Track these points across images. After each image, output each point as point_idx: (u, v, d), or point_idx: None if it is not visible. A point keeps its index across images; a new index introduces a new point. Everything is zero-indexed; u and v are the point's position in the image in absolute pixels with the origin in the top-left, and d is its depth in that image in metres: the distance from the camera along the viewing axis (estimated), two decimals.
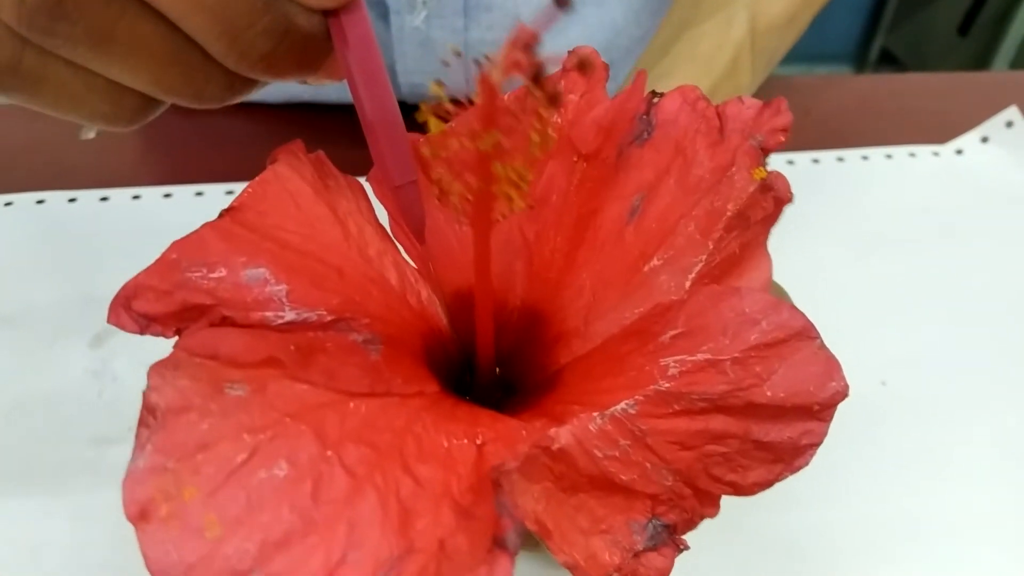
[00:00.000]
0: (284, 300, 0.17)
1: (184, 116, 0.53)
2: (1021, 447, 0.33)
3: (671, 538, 0.18)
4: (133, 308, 0.17)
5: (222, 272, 0.17)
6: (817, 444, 0.18)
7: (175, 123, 0.53)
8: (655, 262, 0.21)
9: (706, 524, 0.26)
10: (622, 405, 0.18)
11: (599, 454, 0.17)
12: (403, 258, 0.22)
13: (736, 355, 0.18)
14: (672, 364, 0.18)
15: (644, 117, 0.22)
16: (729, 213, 0.21)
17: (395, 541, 0.15)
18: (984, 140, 0.51)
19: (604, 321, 0.21)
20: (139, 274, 0.17)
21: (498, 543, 0.15)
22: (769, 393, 0.17)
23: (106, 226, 0.42)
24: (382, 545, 0.15)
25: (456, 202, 0.18)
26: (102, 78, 0.21)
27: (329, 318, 0.18)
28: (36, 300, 0.38)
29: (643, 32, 0.53)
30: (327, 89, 0.53)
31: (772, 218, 0.22)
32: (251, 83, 0.22)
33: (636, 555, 0.18)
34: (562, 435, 0.17)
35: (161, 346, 0.38)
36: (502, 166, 0.17)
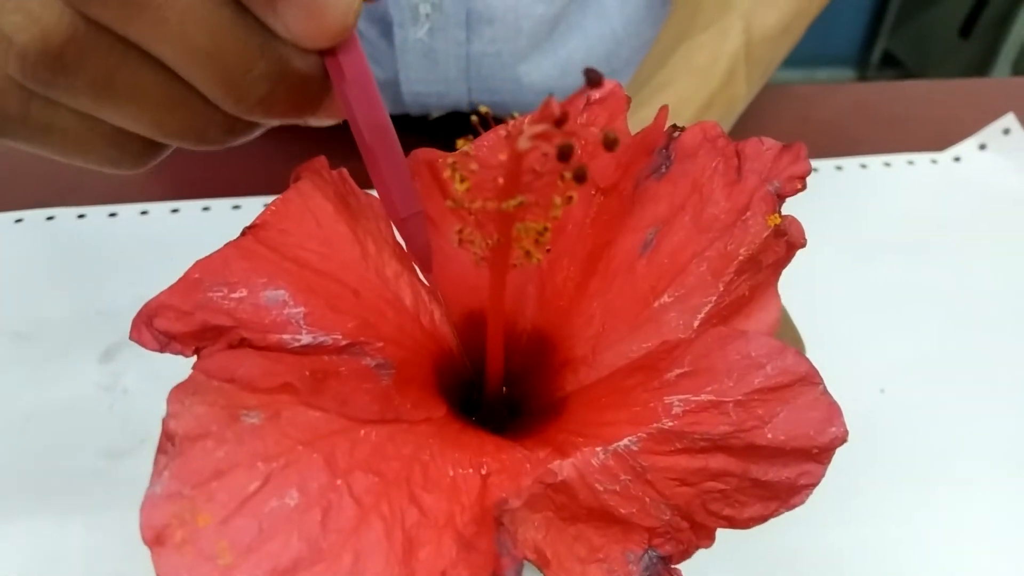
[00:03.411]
0: (301, 323, 0.18)
1: None
2: (1020, 453, 0.33)
3: (666, 568, 0.18)
4: (154, 326, 0.18)
5: (242, 293, 0.18)
6: (814, 484, 0.19)
7: None
8: (665, 299, 0.21)
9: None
10: (625, 441, 0.18)
11: (600, 488, 0.18)
12: (418, 279, 0.22)
13: (739, 397, 0.18)
14: (676, 403, 0.18)
15: (663, 151, 0.22)
16: (741, 257, 0.21)
17: (398, 571, 0.16)
18: (982, 147, 0.51)
19: (612, 352, 0.22)
20: (162, 293, 0.18)
21: None
22: (770, 435, 0.18)
23: (115, 241, 0.43)
24: (385, 574, 0.16)
25: (476, 252, 0.19)
26: (106, 124, 0.21)
27: (344, 342, 0.18)
28: (47, 315, 0.39)
29: (643, 43, 0.54)
30: None
31: (784, 261, 0.22)
32: (252, 125, 0.22)
33: None
34: (565, 468, 0.17)
35: (170, 361, 0.38)
36: (523, 225, 0.17)
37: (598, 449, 0.18)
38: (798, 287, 0.41)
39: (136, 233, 0.44)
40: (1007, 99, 0.56)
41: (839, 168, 0.50)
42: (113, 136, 0.22)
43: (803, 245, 0.22)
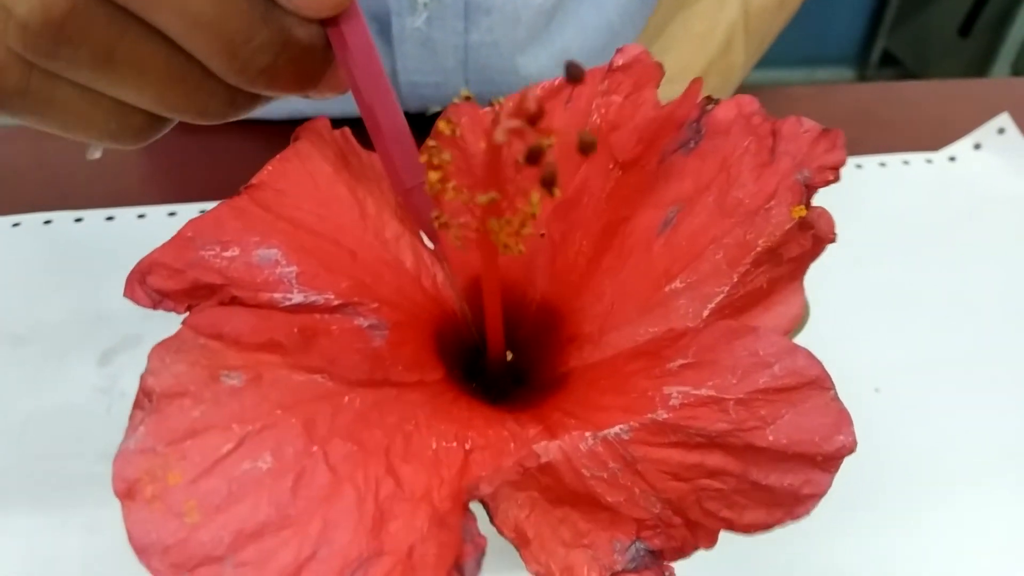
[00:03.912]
0: (293, 282, 0.18)
1: (188, 135, 0.54)
2: (1015, 452, 0.33)
3: (655, 563, 0.18)
4: (147, 283, 0.18)
5: (235, 251, 0.18)
6: (820, 495, 0.18)
7: (179, 142, 0.54)
8: (677, 284, 0.20)
9: None
10: (616, 429, 0.17)
11: (586, 473, 0.17)
12: (420, 241, 0.22)
13: (742, 396, 0.17)
14: (675, 394, 0.18)
15: (694, 124, 0.21)
16: (759, 248, 0.20)
17: (366, 542, 0.16)
18: (977, 147, 0.51)
19: (618, 333, 0.21)
20: (154, 251, 0.18)
21: (458, 568, 0.15)
22: (771, 438, 0.17)
23: (112, 245, 0.43)
24: (352, 545, 0.15)
25: (455, 238, 0.18)
26: (108, 98, 0.21)
27: (336, 302, 0.18)
28: (45, 318, 0.39)
29: (639, 33, 0.54)
30: (330, 104, 0.54)
31: (810, 255, 0.21)
32: (254, 99, 0.22)
33: (615, 574, 0.18)
34: (551, 450, 0.17)
35: None
36: (498, 220, 0.17)
37: (587, 434, 0.17)
38: None
39: (133, 237, 0.44)
40: (1003, 99, 0.56)
41: None
42: (114, 110, 0.21)
43: (832, 240, 0.21)
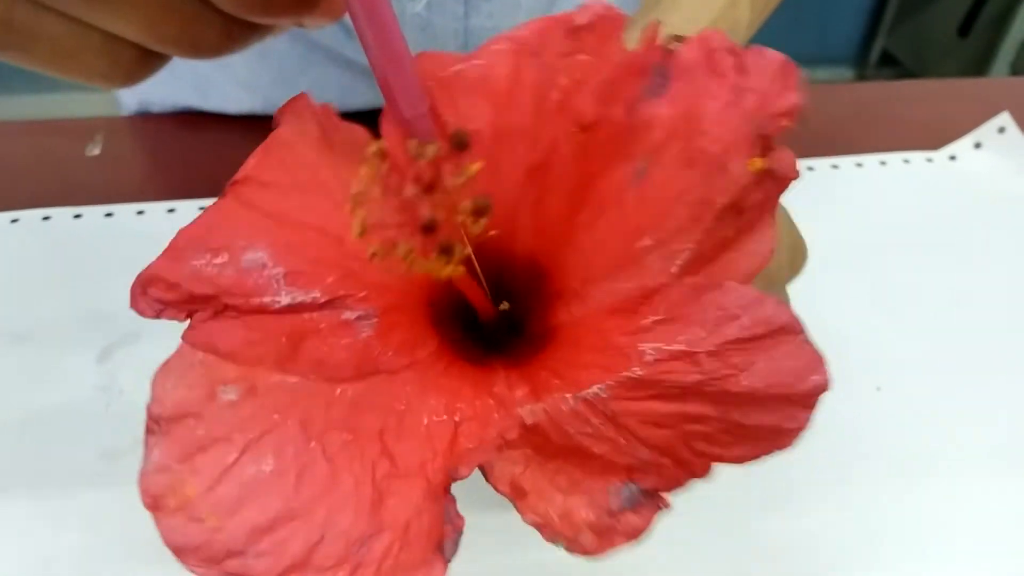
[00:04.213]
0: (281, 283, 0.19)
1: (188, 130, 0.54)
2: (1015, 452, 0.33)
3: (649, 500, 0.18)
4: (148, 295, 0.19)
5: (224, 258, 0.19)
6: (800, 429, 0.18)
7: (178, 138, 0.54)
8: (646, 240, 0.20)
9: (701, 530, 0.26)
10: (594, 389, 0.18)
11: (571, 431, 0.18)
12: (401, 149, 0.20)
13: (712, 348, 0.18)
14: (649, 351, 0.18)
15: (658, 68, 0.20)
16: (719, 205, 0.19)
17: (367, 522, 0.17)
18: (977, 146, 0.51)
19: (597, 288, 0.21)
20: (153, 263, 0.19)
21: (438, 547, 0.17)
22: (745, 383, 0.17)
23: (112, 241, 0.43)
24: (355, 526, 0.17)
25: (402, 261, 0.18)
26: (97, 32, 0.20)
27: (323, 299, 0.19)
28: (44, 315, 0.39)
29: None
30: (329, 94, 0.54)
31: (775, 195, 0.20)
32: (249, 29, 0.21)
33: (612, 514, 0.18)
34: (536, 413, 0.18)
35: (164, 358, 0.38)
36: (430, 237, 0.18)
37: (568, 396, 0.18)
38: (794, 285, 0.41)
39: (133, 233, 0.44)
40: (1004, 98, 0.56)
41: (835, 167, 0.51)
42: (103, 45, 0.21)
43: (795, 177, 0.20)
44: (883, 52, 2.32)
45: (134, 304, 0.19)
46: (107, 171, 0.49)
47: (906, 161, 0.51)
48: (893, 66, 2.31)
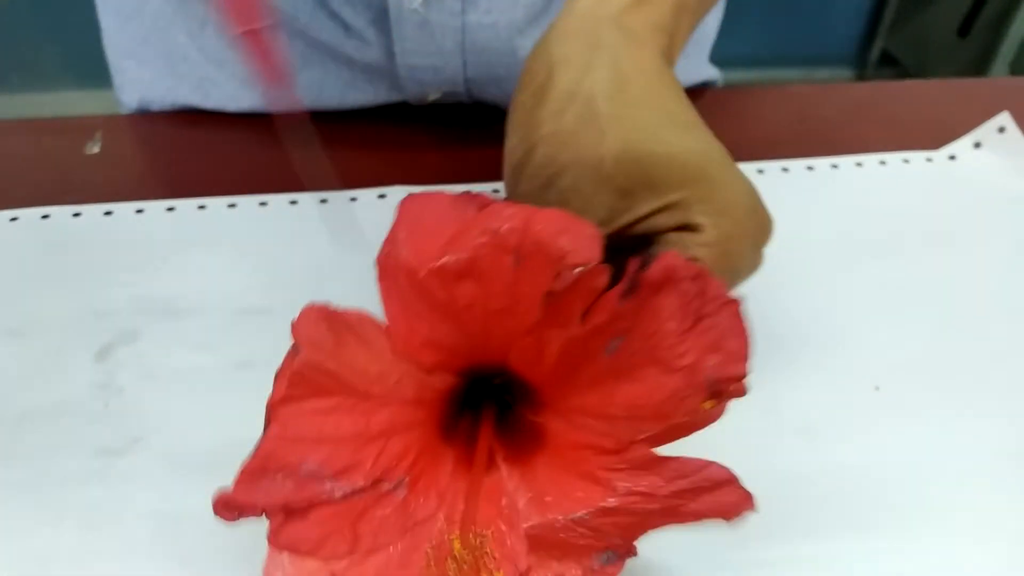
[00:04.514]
0: (333, 482, 0.23)
1: (187, 129, 0.54)
2: (1013, 451, 0.33)
3: (621, 558, 0.26)
4: (229, 510, 0.22)
5: (284, 476, 0.23)
6: (749, 508, 0.24)
7: (178, 136, 0.54)
8: (617, 410, 0.24)
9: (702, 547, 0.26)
10: (580, 513, 0.25)
11: (563, 536, 0.25)
12: (413, 366, 0.23)
13: (668, 493, 0.24)
14: (621, 487, 0.24)
15: (633, 278, 0.22)
16: (672, 422, 0.24)
17: None
18: (977, 146, 0.51)
19: (580, 419, 0.25)
20: (230, 491, 0.22)
21: None
22: (692, 508, 0.24)
23: (110, 240, 0.43)
24: None
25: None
26: None
27: (366, 483, 0.23)
28: (42, 313, 0.39)
29: None
30: (328, 97, 0.54)
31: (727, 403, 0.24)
32: None
33: (595, 570, 0.26)
34: (536, 527, 0.25)
35: (164, 361, 0.38)
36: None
37: (560, 517, 0.25)
38: (793, 284, 0.41)
39: (131, 231, 0.44)
40: (1003, 98, 0.56)
41: (835, 166, 0.51)
42: None
43: (742, 395, 0.23)
44: (883, 52, 2.32)
45: (217, 512, 0.22)
46: (106, 169, 0.49)
47: (906, 161, 0.51)
48: (893, 66, 2.31)
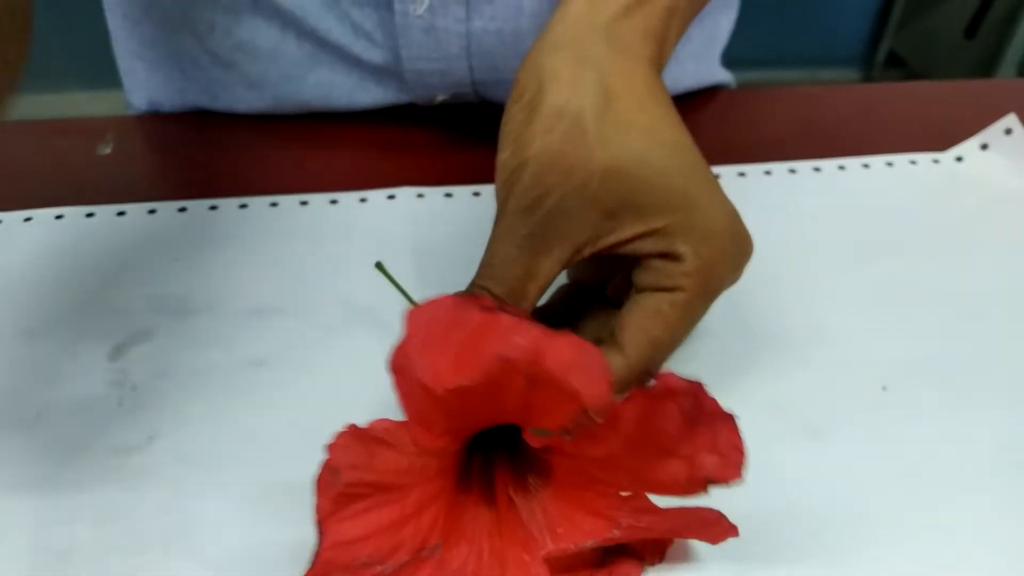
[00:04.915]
0: (384, 564, 0.25)
1: (197, 130, 0.54)
2: (1022, 451, 0.34)
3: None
4: None
5: (344, 570, 0.25)
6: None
7: (189, 137, 0.54)
8: (619, 472, 0.27)
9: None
10: (589, 543, 0.27)
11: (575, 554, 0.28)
12: (429, 442, 0.25)
13: (665, 528, 0.28)
14: (624, 522, 0.27)
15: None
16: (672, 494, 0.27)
17: None
18: (984, 147, 0.52)
19: (584, 462, 0.27)
20: None
21: None
22: (685, 533, 0.29)
23: (123, 240, 0.44)
24: None
25: None
26: None
27: (410, 556, 0.26)
28: (56, 313, 0.39)
29: None
30: (337, 97, 0.54)
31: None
32: None
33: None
34: (552, 553, 0.28)
35: (177, 360, 0.39)
36: None
37: (571, 545, 0.28)
38: (800, 284, 0.41)
39: (144, 231, 0.44)
40: (1010, 100, 0.56)
41: (842, 168, 0.51)
42: None
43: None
44: (889, 53, 2.32)
45: None
46: (119, 170, 0.50)
47: (912, 162, 0.51)
48: (899, 67, 2.31)
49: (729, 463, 0.25)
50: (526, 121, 0.31)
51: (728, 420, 0.25)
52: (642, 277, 0.31)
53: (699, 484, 0.26)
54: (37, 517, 0.30)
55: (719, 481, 0.25)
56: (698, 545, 0.29)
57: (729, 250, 0.31)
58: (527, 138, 0.31)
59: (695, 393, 0.24)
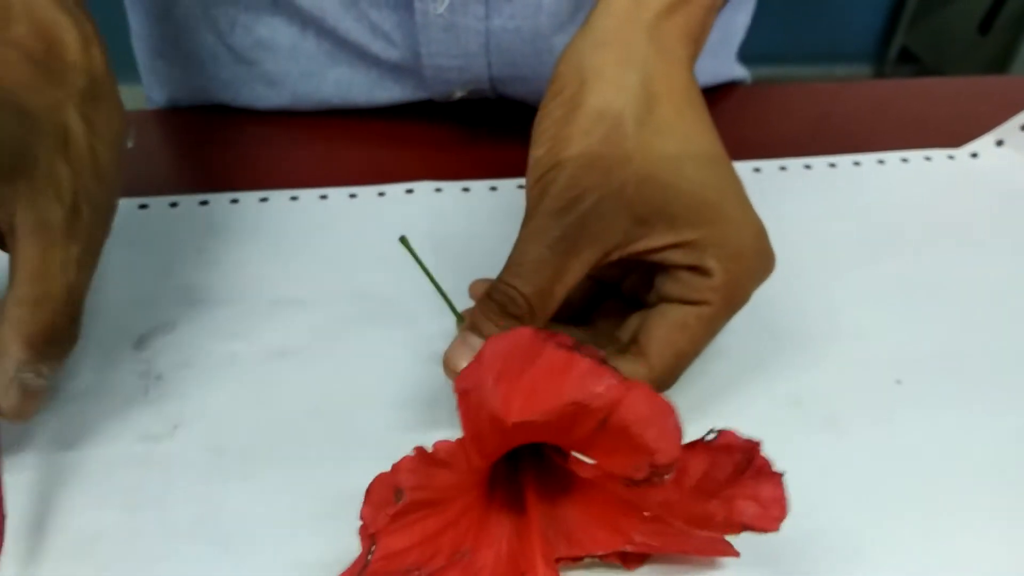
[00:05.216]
0: (422, 571, 0.26)
1: (218, 126, 0.55)
2: None
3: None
4: None
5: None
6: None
7: (209, 132, 0.55)
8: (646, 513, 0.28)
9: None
10: (600, 553, 0.29)
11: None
12: (480, 461, 0.26)
13: (676, 548, 0.29)
14: (638, 538, 0.28)
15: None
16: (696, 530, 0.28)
17: None
18: (999, 143, 0.52)
19: (609, 480, 0.27)
20: None
21: None
22: (690, 550, 0.29)
23: (146, 232, 0.44)
24: None
25: None
26: None
27: (447, 560, 0.27)
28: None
29: None
30: (356, 94, 0.55)
31: None
32: None
33: None
34: (562, 554, 0.29)
35: (201, 350, 0.39)
36: None
37: (584, 554, 0.29)
38: (816, 280, 0.42)
39: (166, 224, 0.45)
40: None
41: (857, 163, 0.51)
42: None
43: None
44: (902, 49, 2.31)
45: None
46: (141, 164, 0.50)
47: (928, 158, 0.52)
48: (912, 63, 2.30)
49: (768, 516, 0.26)
50: (564, 119, 0.31)
51: (775, 477, 0.26)
52: (669, 287, 0.31)
53: (735, 527, 0.27)
54: (68, 502, 0.31)
55: (755, 529, 0.26)
56: None
57: (755, 267, 0.32)
58: (565, 137, 0.31)
59: (751, 451, 0.25)
